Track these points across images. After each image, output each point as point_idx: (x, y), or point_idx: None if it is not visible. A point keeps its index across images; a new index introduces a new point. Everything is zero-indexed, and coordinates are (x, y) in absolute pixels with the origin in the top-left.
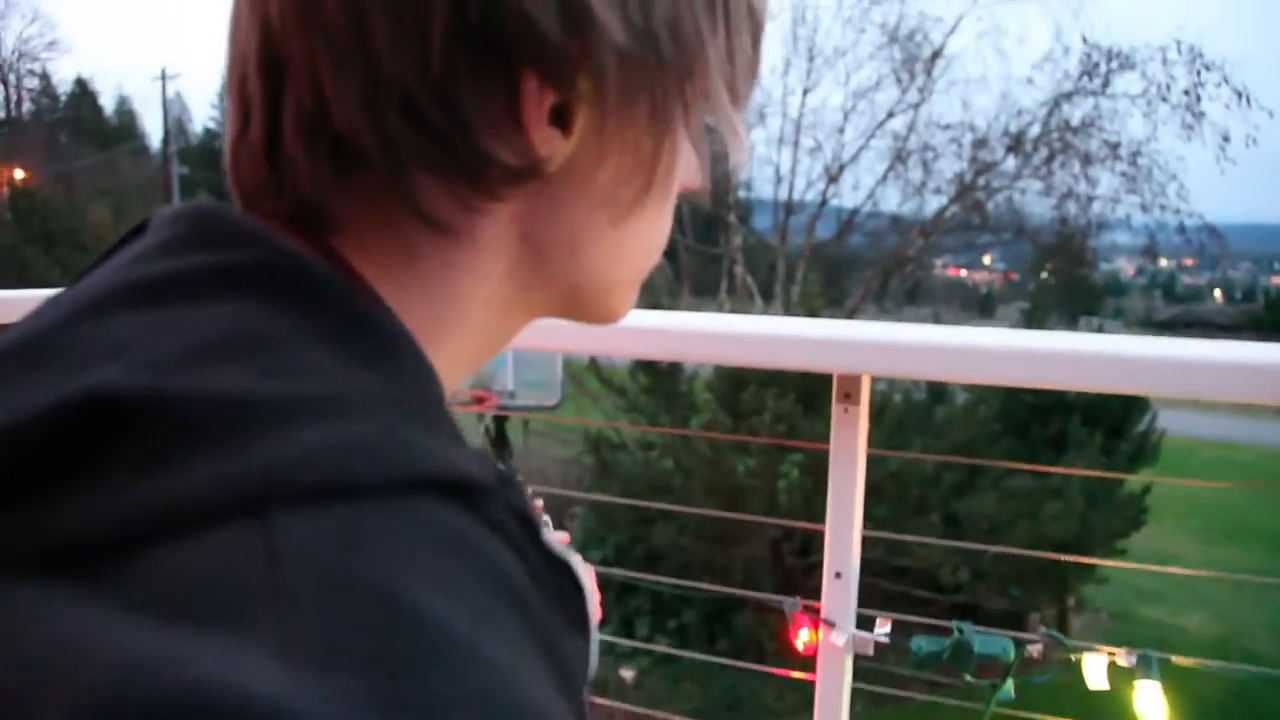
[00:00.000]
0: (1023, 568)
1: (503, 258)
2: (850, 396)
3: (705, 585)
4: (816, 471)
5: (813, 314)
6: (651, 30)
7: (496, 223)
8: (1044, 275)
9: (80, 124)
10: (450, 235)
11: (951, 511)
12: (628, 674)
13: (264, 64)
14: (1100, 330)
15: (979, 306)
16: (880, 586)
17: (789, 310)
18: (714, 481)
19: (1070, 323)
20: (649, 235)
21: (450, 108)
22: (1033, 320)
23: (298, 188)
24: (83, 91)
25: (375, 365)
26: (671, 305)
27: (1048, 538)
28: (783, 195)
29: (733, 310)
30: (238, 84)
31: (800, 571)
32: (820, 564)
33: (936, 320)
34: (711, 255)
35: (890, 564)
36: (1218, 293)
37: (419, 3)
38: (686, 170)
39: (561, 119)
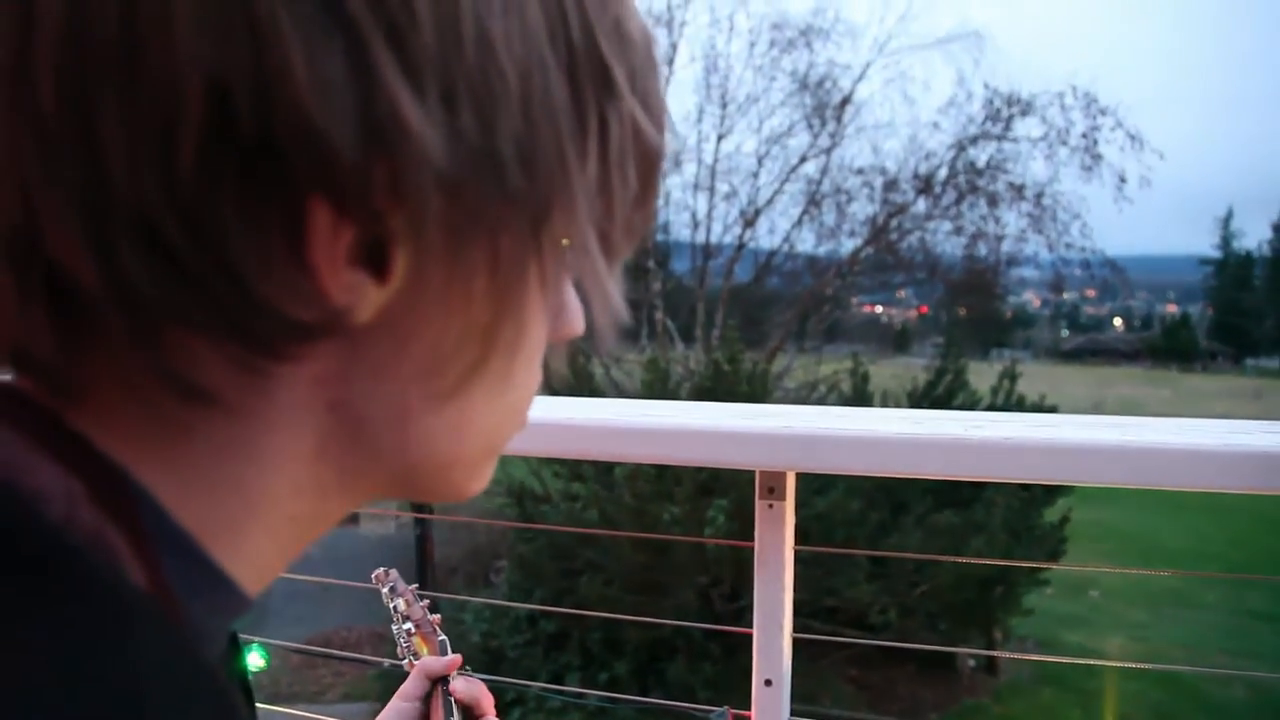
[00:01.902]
0: (949, 603)
1: (307, 433)
2: (775, 492)
3: (633, 698)
4: (741, 517)
5: (733, 358)
6: (493, 150)
7: (296, 390)
8: (957, 310)
9: None
10: (224, 409)
11: (877, 547)
12: None
13: None
14: (1011, 361)
15: (895, 342)
16: (812, 626)
17: (709, 352)
18: (640, 531)
19: (982, 354)
20: (502, 405)
21: (207, 241)
22: (948, 354)
23: (12, 333)
24: None
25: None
26: (589, 352)
27: (973, 573)
28: (700, 239)
29: (654, 355)
30: None
31: (731, 616)
32: (750, 609)
33: (854, 358)
34: (632, 300)
35: (819, 605)
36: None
37: (164, 93)
38: (557, 324)
39: (375, 257)
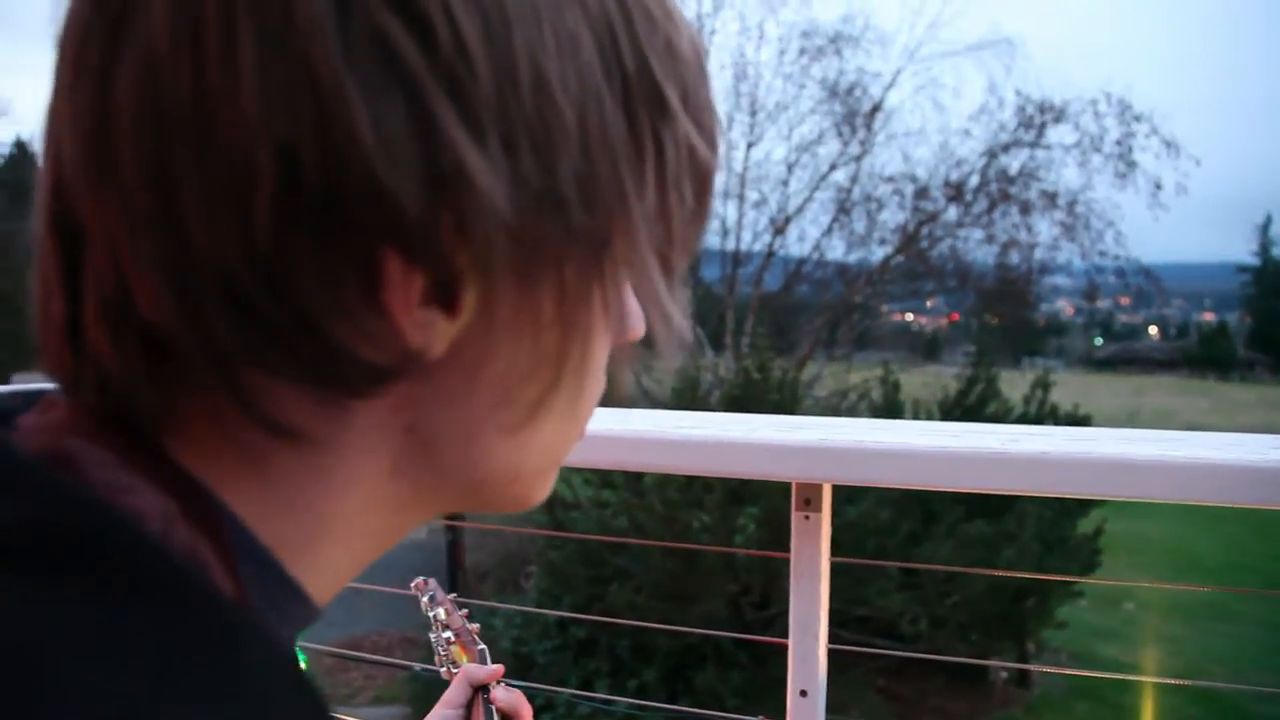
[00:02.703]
0: (981, 614)
1: (384, 455)
2: (811, 504)
3: (661, 704)
4: (771, 525)
5: (763, 366)
6: (555, 192)
7: (372, 417)
8: (988, 318)
9: (19, 186)
10: (306, 442)
11: (908, 559)
12: None
13: (55, 222)
14: (1044, 370)
15: (925, 350)
16: (842, 637)
17: (739, 360)
18: (670, 539)
19: (1014, 363)
20: (568, 420)
21: (285, 295)
22: (980, 362)
23: (109, 381)
24: (22, 153)
25: (200, 677)
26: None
27: (1005, 583)
28: (730, 246)
29: (684, 363)
30: (36, 238)
31: (760, 625)
32: (783, 618)
33: (885, 367)
34: None
35: (849, 615)
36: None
37: (237, 162)
38: (619, 331)
39: (445, 295)
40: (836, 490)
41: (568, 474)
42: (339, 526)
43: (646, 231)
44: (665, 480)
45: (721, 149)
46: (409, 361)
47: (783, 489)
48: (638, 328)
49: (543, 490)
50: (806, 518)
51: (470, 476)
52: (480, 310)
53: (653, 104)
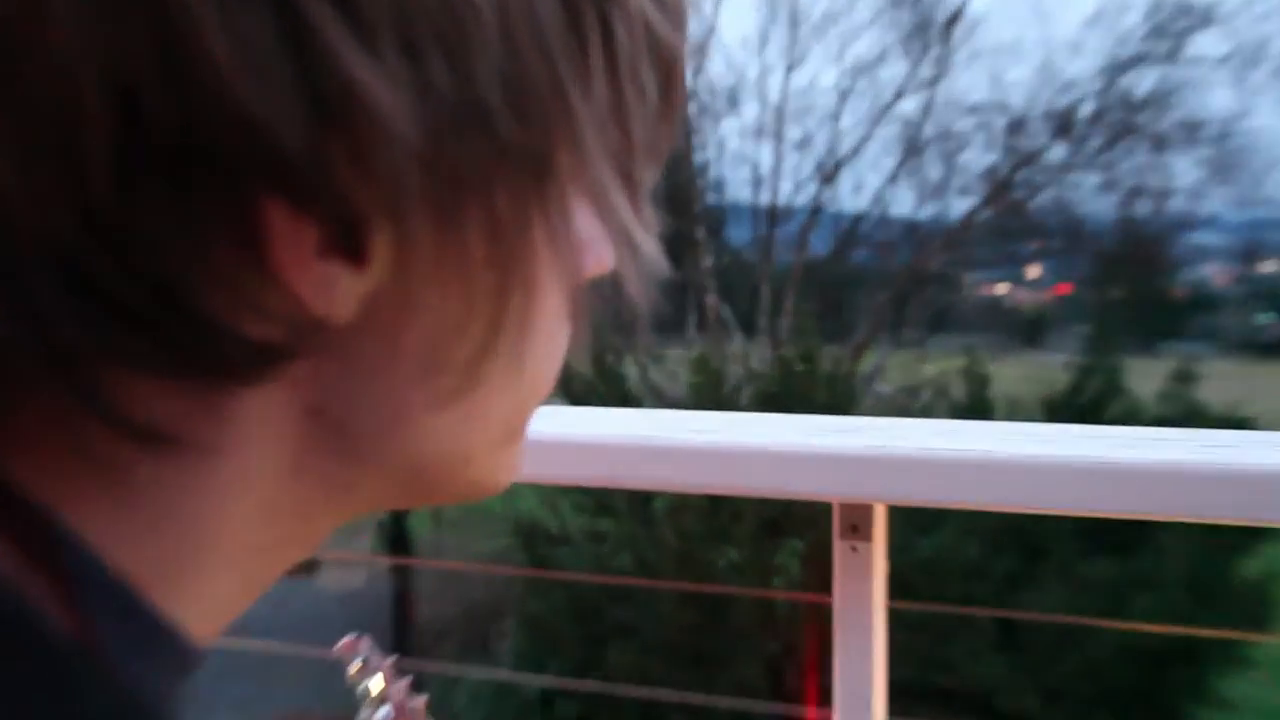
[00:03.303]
0: (1110, 685)
1: (283, 449)
2: (859, 531)
3: None
4: (823, 563)
5: (809, 355)
6: (476, 102)
7: (265, 403)
8: (1108, 290)
9: None
10: (179, 446)
11: (1006, 606)
12: None
13: None
14: (1189, 359)
15: (1025, 333)
16: (914, 710)
17: (777, 348)
18: (689, 581)
19: (1145, 349)
20: (521, 383)
21: (138, 266)
22: (1098, 348)
23: None
24: None
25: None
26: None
27: (1142, 644)
28: (764, 200)
29: (704, 352)
30: None
31: (814, 694)
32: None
33: (970, 354)
34: (675, 282)
35: (926, 683)
36: None
37: (57, 104)
38: (578, 268)
39: (347, 243)
40: (905, 518)
41: (553, 497)
42: (225, 544)
43: (598, 138)
44: (681, 504)
45: (691, 24)
46: (310, 331)
47: (826, 512)
48: (603, 258)
49: (508, 470)
50: (853, 549)
51: (404, 463)
52: (395, 258)
53: None
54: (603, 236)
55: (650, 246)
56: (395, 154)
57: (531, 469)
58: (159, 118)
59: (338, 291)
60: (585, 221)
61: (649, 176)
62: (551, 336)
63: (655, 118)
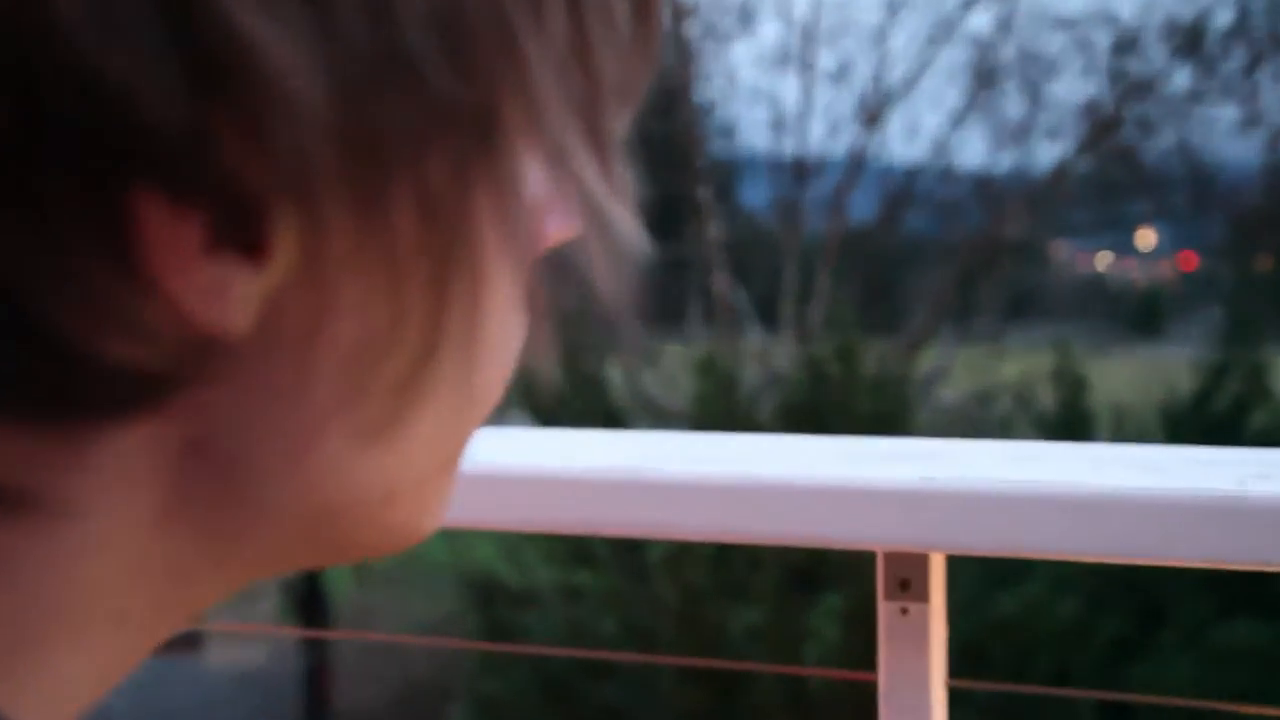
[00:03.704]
0: None
1: (148, 496)
2: (910, 589)
3: None
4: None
5: (848, 351)
6: (398, 49)
7: (127, 440)
8: (1250, 262)
9: None
10: (17, 502)
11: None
12: None
13: None
14: None
15: (1136, 320)
16: None
17: (806, 342)
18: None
19: None
20: (465, 397)
21: None
22: (1236, 340)
23: None
24: None
25: None
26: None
27: None
28: (789, 150)
29: (711, 350)
30: None
31: None
32: None
33: (1062, 349)
34: (671, 257)
35: None
36: None
37: None
38: (529, 242)
39: (241, 235)
40: (971, 569)
41: (516, 545)
42: (75, 615)
43: (554, 83)
44: (680, 552)
45: None
46: (198, 352)
47: (872, 565)
48: (560, 226)
49: (437, 510)
50: (904, 611)
51: (308, 509)
52: (302, 250)
53: None
54: (562, 196)
55: (626, 218)
56: (296, 125)
57: (484, 512)
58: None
59: (231, 297)
60: (537, 183)
61: (620, 125)
62: (501, 335)
63: (628, 51)
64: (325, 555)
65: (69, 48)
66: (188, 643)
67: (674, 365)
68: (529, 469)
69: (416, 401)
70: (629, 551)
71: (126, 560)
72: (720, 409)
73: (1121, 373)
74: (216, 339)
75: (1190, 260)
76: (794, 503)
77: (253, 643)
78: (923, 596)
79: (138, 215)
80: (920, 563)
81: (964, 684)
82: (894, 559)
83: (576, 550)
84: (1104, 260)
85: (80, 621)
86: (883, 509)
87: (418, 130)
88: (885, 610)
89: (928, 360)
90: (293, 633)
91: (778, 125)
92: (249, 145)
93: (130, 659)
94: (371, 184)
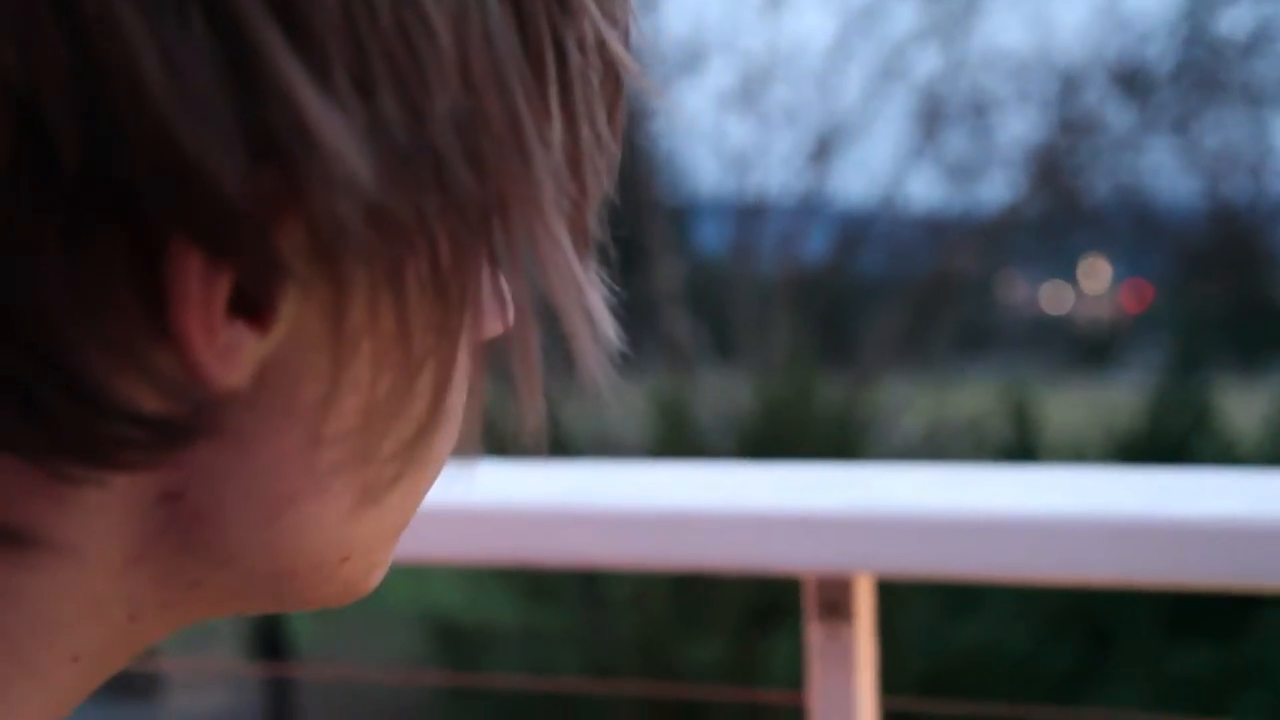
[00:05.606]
0: None
1: (126, 538)
2: (838, 611)
3: None
4: None
5: (805, 387)
6: (427, 146)
7: (111, 488)
8: (1193, 293)
9: None
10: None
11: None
12: None
13: None
14: None
15: (1085, 353)
16: None
17: (762, 381)
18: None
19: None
20: (424, 472)
21: (17, 334)
22: (1183, 370)
23: None
24: None
25: None
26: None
27: None
28: (743, 189)
29: (669, 387)
30: None
31: None
32: None
33: (1015, 383)
34: (628, 294)
35: None
36: None
37: None
38: (483, 327)
39: (251, 300)
40: (930, 597)
41: (477, 580)
42: (39, 655)
43: (554, 184)
44: (644, 588)
45: (633, 33)
46: (209, 409)
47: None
48: (502, 317)
49: (381, 569)
50: (831, 633)
51: (269, 563)
52: (325, 319)
53: None
54: (503, 294)
55: (605, 315)
56: (341, 199)
57: (448, 545)
58: (65, 149)
59: (241, 359)
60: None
61: (595, 226)
62: (459, 404)
63: (601, 153)
64: (269, 604)
65: (148, 114)
66: (145, 687)
67: (631, 404)
68: (479, 504)
69: (414, 469)
70: (588, 585)
71: (89, 601)
72: (677, 447)
73: (1073, 405)
74: (222, 397)
75: (1138, 295)
76: (721, 531)
77: (213, 682)
78: (848, 618)
79: (176, 274)
80: (845, 587)
81: (895, 703)
82: (821, 584)
83: (535, 586)
84: (1054, 297)
85: (41, 662)
86: (807, 534)
87: (434, 215)
88: (814, 633)
89: (882, 396)
90: (254, 671)
91: (733, 167)
92: (291, 214)
93: (78, 697)
94: (389, 261)
